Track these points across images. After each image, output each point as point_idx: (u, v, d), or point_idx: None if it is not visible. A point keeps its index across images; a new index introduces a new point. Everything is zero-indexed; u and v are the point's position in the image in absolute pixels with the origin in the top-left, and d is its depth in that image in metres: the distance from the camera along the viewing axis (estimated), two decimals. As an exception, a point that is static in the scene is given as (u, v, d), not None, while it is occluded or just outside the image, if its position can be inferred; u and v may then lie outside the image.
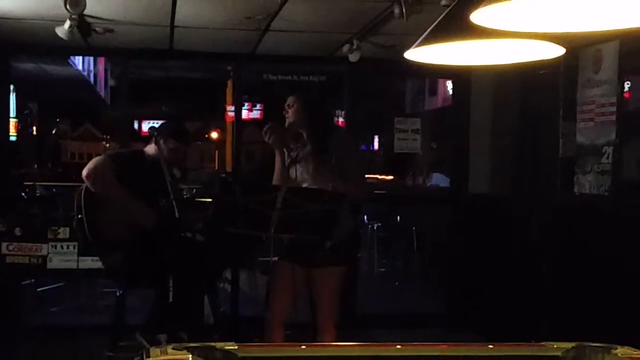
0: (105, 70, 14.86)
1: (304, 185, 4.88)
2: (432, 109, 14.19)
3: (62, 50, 8.18)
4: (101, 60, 13.83)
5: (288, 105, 4.97)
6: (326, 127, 5.06)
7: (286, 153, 5.02)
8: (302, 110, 4.94)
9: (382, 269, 10.87)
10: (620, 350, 2.54)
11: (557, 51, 2.86)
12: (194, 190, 8.98)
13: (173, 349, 2.43)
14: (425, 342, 2.69)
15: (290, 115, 4.96)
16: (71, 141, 25.60)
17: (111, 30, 6.48)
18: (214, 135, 25.21)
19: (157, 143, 5.55)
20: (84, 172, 5.35)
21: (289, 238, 4.79)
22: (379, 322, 7.62)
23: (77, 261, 6.82)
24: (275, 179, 4.99)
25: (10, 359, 6.40)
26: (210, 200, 6.16)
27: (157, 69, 13.00)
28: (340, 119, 9.36)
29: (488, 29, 2.44)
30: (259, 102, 19.36)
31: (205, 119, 24.00)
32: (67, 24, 5.76)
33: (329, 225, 4.65)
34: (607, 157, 6.01)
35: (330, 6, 5.75)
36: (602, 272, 5.90)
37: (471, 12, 2.32)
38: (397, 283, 10.44)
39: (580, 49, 6.28)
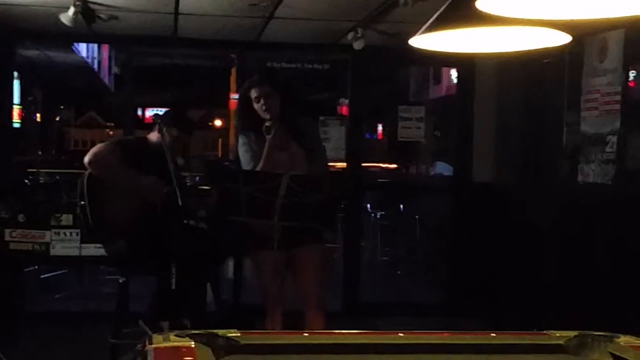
0: (109, 58, 14.85)
1: (284, 170, 4.84)
2: (436, 98, 14.15)
3: (66, 37, 8.18)
4: (105, 47, 13.80)
5: (264, 96, 4.90)
6: (297, 113, 5.10)
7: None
8: (278, 101, 4.93)
9: (385, 258, 10.87)
10: (623, 339, 2.54)
11: (562, 39, 2.84)
12: (197, 178, 8.98)
13: (176, 335, 2.43)
14: (428, 331, 2.69)
15: (269, 109, 4.89)
16: (75, 128, 25.61)
17: (115, 17, 6.47)
18: (218, 122, 25.19)
19: (160, 131, 5.54)
20: (86, 159, 5.35)
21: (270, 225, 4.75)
22: (381, 311, 7.62)
23: (80, 248, 6.83)
24: (263, 165, 4.89)
25: (14, 346, 6.41)
26: (213, 187, 6.16)
27: (161, 56, 12.99)
28: (344, 107, 9.35)
29: (493, 16, 2.43)
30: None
31: (208, 107, 23.97)
32: (71, 10, 5.76)
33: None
34: (611, 147, 6.00)
35: (335, -7, 5.74)
36: (605, 261, 5.90)
37: (476, -1, 2.31)
38: (399, 272, 10.45)
39: (586, 37, 6.26)
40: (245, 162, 4.97)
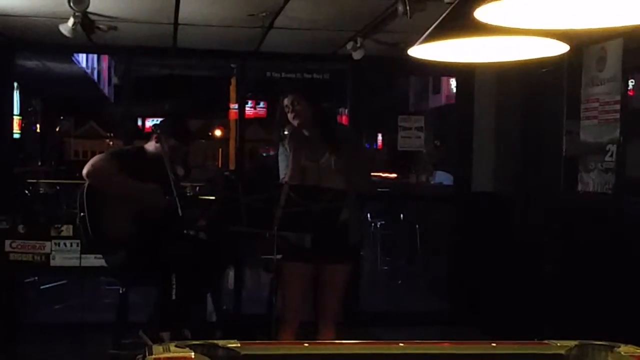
0: (109, 68, 14.87)
1: (316, 182, 4.85)
2: (436, 107, 14.20)
3: (65, 48, 8.18)
4: (105, 58, 13.83)
5: (292, 104, 4.95)
6: (332, 123, 5.09)
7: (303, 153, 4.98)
8: (308, 109, 4.93)
9: (386, 267, 10.87)
10: (623, 349, 2.53)
11: (561, 48, 2.85)
12: (197, 188, 8.98)
13: (176, 346, 2.42)
14: (428, 340, 2.68)
15: (298, 114, 4.93)
16: (75, 139, 25.60)
17: (115, 28, 6.48)
18: (218, 132, 25.22)
19: (158, 141, 5.55)
20: (84, 171, 5.36)
21: (303, 237, 4.76)
22: (382, 320, 7.61)
23: (80, 259, 6.83)
24: (292, 179, 4.91)
25: (14, 357, 6.41)
26: (213, 197, 6.17)
27: (160, 66, 13.02)
28: (344, 117, 9.35)
29: (492, 25, 2.44)
30: (262, 100, 19.40)
31: (208, 117, 24.00)
32: (71, 21, 5.76)
33: (331, 222, 4.66)
34: (611, 155, 6.00)
35: (334, 4, 5.74)
36: (605, 270, 5.89)
37: (475, 9, 2.32)
38: (400, 281, 10.44)
39: (585, 47, 6.27)
40: (281, 171, 5.01)
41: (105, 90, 15.29)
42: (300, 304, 5.01)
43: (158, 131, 5.60)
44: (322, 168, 4.90)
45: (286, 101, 4.96)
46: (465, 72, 7.89)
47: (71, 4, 5.47)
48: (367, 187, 5.14)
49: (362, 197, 5.11)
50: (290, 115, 4.93)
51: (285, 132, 4.91)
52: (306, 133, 4.95)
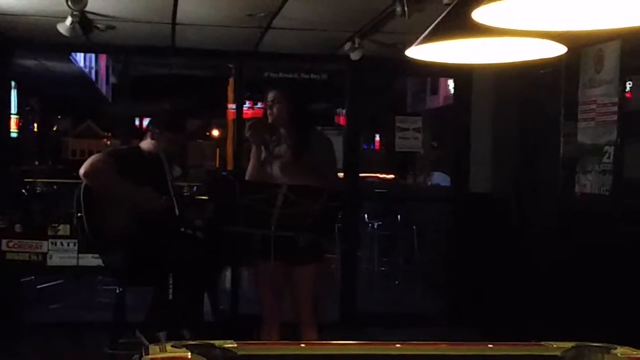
0: (107, 67, 14.84)
1: (279, 181, 4.87)
2: (434, 108, 14.17)
3: (63, 47, 8.17)
4: (103, 57, 13.79)
5: (273, 100, 4.98)
6: (306, 124, 5.11)
7: (264, 149, 5.03)
8: (286, 107, 4.96)
9: (383, 268, 10.86)
10: (619, 350, 2.53)
11: (558, 50, 2.85)
12: (195, 188, 8.98)
13: (172, 346, 2.42)
14: (425, 341, 2.68)
15: (275, 111, 4.96)
16: (72, 138, 25.57)
17: (113, 27, 6.48)
18: (215, 132, 25.18)
19: (153, 137, 5.53)
20: (81, 171, 5.34)
21: (270, 236, 4.76)
22: (379, 321, 7.61)
23: (77, 258, 6.82)
24: (250, 175, 5.00)
25: (10, 356, 6.40)
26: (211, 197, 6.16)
27: (158, 66, 12.99)
28: (342, 117, 9.35)
29: (490, 26, 2.44)
30: (260, 100, 19.34)
31: (206, 117, 23.97)
32: (69, 20, 5.76)
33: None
34: (608, 157, 6.00)
35: (332, 4, 5.75)
36: (602, 272, 5.90)
37: (473, 10, 2.32)
38: (397, 282, 10.44)
39: (582, 49, 6.28)
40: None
41: (103, 90, 15.26)
42: (275, 306, 5.02)
43: (151, 127, 5.59)
44: (280, 166, 4.94)
45: (269, 97, 5.02)
46: (463, 73, 7.89)
47: (69, 3, 5.47)
48: (334, 188, 5.18)
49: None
50: (268, 111, 5.00)
51: (247, 125, 5.02)
52: (282, 131, 4.99)
